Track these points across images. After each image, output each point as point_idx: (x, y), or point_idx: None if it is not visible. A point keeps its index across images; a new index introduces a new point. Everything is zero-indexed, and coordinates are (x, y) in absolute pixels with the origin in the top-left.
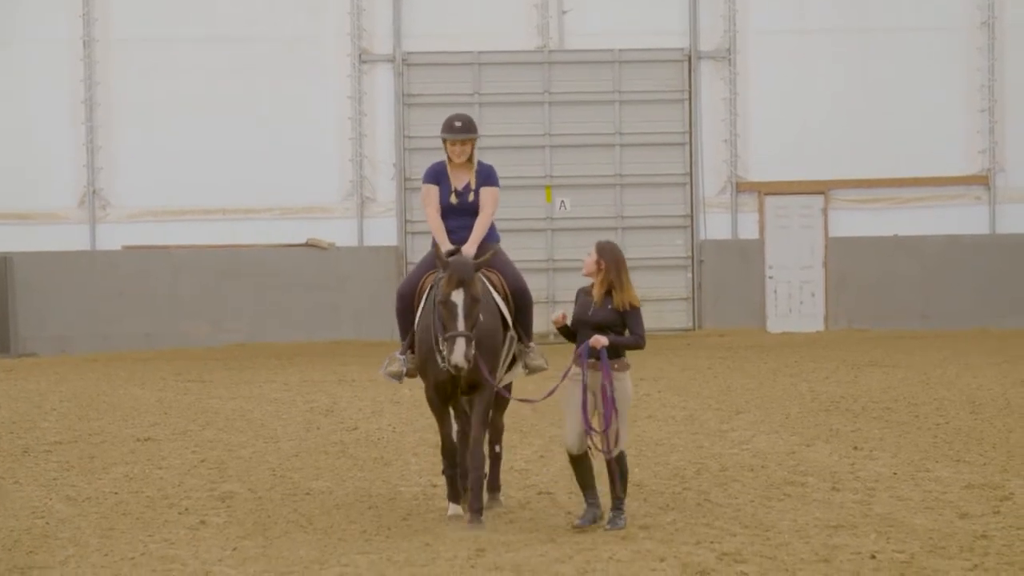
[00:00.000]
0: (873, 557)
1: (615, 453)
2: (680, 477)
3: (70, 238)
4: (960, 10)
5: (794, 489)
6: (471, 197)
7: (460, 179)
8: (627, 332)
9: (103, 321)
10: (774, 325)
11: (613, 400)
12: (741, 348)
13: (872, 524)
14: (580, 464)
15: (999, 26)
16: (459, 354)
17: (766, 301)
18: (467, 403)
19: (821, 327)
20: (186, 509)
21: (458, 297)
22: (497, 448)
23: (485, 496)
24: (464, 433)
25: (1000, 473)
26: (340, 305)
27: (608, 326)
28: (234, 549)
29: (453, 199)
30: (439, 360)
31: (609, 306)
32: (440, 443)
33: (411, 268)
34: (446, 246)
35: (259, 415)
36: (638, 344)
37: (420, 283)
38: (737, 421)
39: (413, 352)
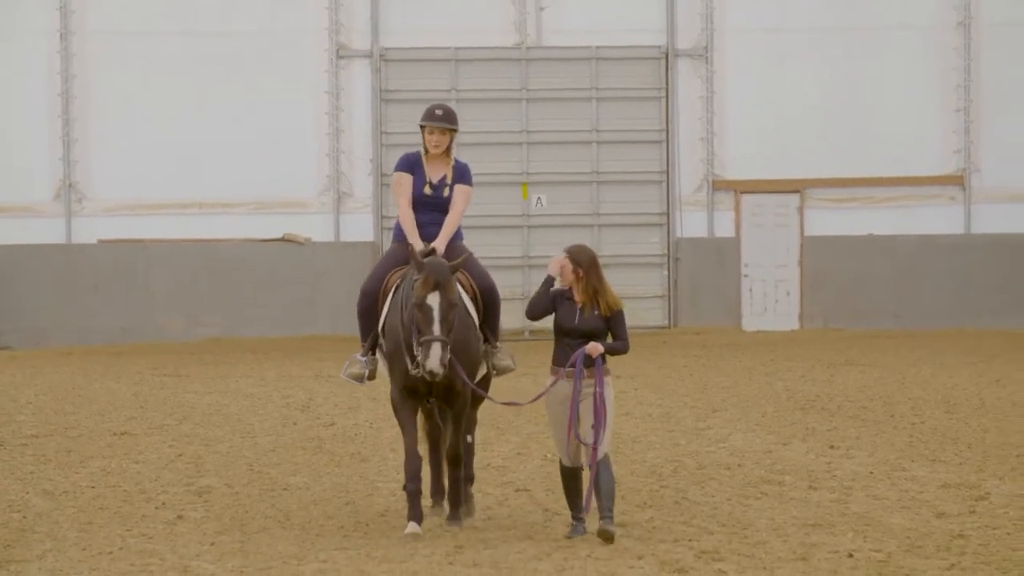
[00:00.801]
0: (851, 556)
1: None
2: (657, 475)
3: (46, 231)
4: (936, 10)
5: (771, 488)
6: (446, 192)
7: (436, 172)
8: (609, 337)
9: (78, 315)
10: (749, 323)
11: (605, 410)
12: (716, 346)
13: (849, 523)
14: (573, 478)
15: (975, 26)
16: (435, 360)
17: (741, 299)
18: (438, 410)
19: (796, 326)
20: (163, 504)
21: (434, 300)
22: (469, 438)
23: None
24: (434, 440)
25: (976, 473)
26: (316, 300)
27: (598, 333)
28: (212, 544)
29: (427, 191)
30: (409, 365)
31: (596, 312)
32: (404, 454)
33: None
34: (416, 241)
35: (235, 410)
36: (626, 349)
37: (385, 281)
38: (713, 419)
39: (375, 354)
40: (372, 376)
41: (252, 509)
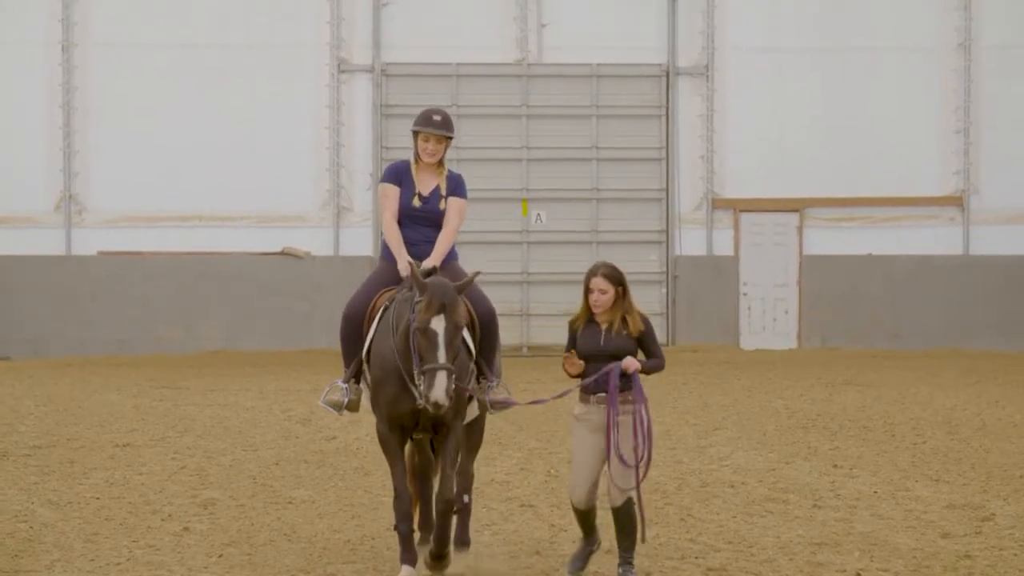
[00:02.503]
0: (859, 575)
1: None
2: (662, 492)
3: (46, 242)
4: (936, 31)
5: (776, 506)
6: (441, 204)
7: (427, 182)
8: (640, 354)
9: (77, 326)
10: (747, 342)
11: (650, 430)
12: (715, 364)
13: (855, 542)
14: (587, 516)
15: (975, 48)
16: (440, 390)
17: (740, 318)
18: (424, 443)
19: (794, 344)
20: (169, 515)
21: (439, 325)
22: (466, 498)
23: (453, 551)
24: (424, 475)
25: (980, 493)
26: (314, 314)
27: (627, 354)
28: (220, 556)
29: (416, 202)
30: (416, 394)
31: (624, 332)
32: (392, 491)
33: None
34: (404, 261)
35: (236, 423)
36: (663, 366)
37: (372, 303)
38: (715, 437)
39: (358, 382)
40: (354, 407)
41: (258, 522)
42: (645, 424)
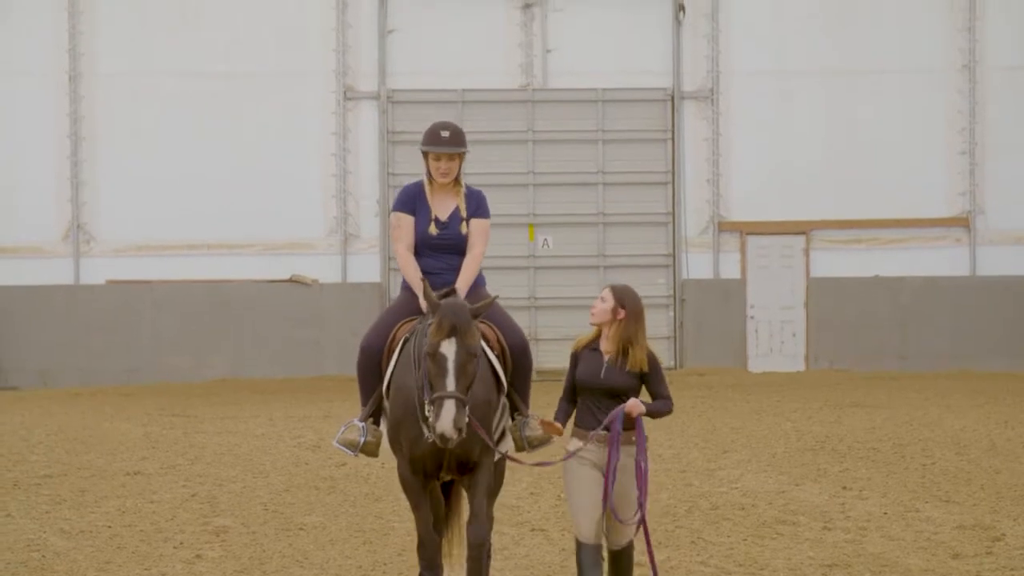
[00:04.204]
0: None
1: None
2: (672, 515)
3: (54, 272)
4: (941, 53)
5: (786, 528)
6: (462, 228)
7: (444, 206)
8: (642, 393)
9: (86, 355)
10: (755, 365)
11: (646, 479)
12: (723, 387)
13: (866, 564)
14: (591, 558)
15: (980, 69)
16: (447, 421)
17: (747, 341)
18: (436, 485)
19: (802, 367)
20: (181, 543)
21: (449, 348)
22: (487, 541)
23: None
24: (436, 515)
25: (991, 514)
26: (323, 341)
27: (628, 391)
28: None
29: (433, 230)
30: (424, 430)
31: (626, 368)
32: (417, 539)
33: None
34: (421, 288)
35: (246, 450)
36: (670, 409)
37: (392, 334)
38: (724, 460)
39: (376, 422)
40: (372, 451)
41: (270, 548)
42: (643, 475)
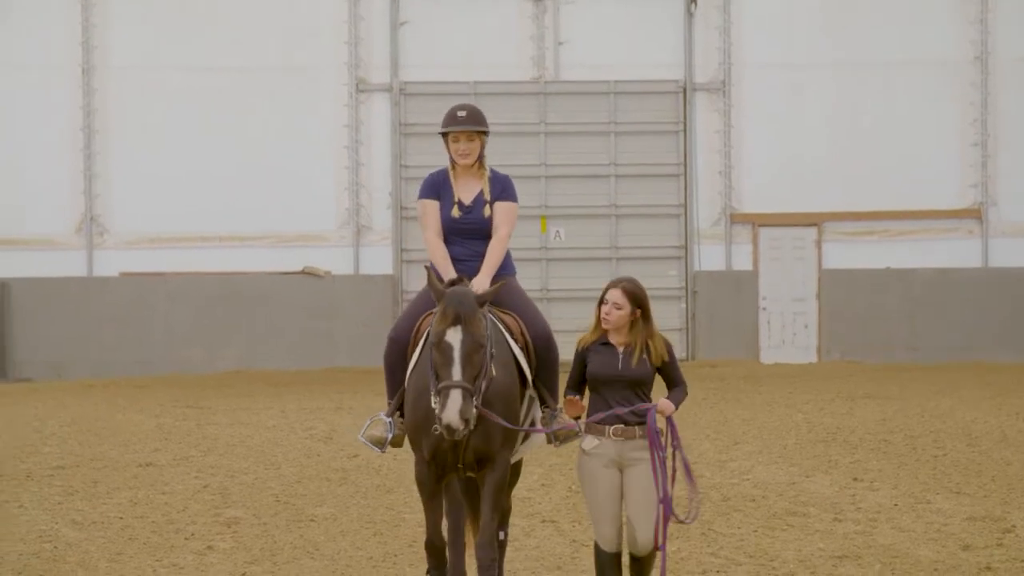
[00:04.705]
0: None
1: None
2: (682, 507)
3: (67, 264)
4: (953, 45)
5: (796, 520)
6: (486, 211)
7: (468, 189)
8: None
9: (99, 347)
10: (767, 356)
11: (688, 470)
12: (734, 379)
13: (876, 555)
14: (612, 567)
15: (992, 61)
16: (452, 411)
17: (759, 332)
18: (453, 484)
19: (814, 359)
20: (192, 534)
21: (454, 337)
22: (502, 535)
23: None
24: (456, 527)
25: (1001, 505)
26: (335, 333)
27: (645, 381)
28: (243, 575)
29: (456, 213)
30: (439, 423)
31: (648, 361)
32: (425, 534)
33: (405, 304)
34: (449, 275)
35: (258, 441)
36: (687, 394)
37: (417, 325)
38: (736, 451)
39: (403, 415)
40: (398, 442)
41: (281, 540)
42: (687, 470)
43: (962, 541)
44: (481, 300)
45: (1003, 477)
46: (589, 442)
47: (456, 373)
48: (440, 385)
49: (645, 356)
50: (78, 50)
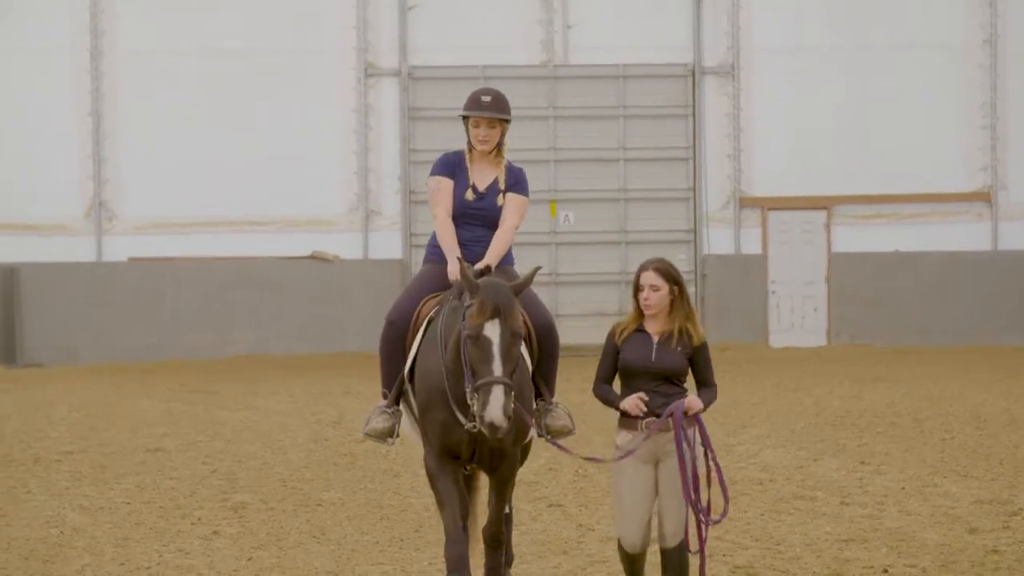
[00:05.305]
0: (885, 572)
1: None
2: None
3: (76, 249)
4: (962, 28)
5: (803, 503)
6: (499, 200)
7: (484, 175)
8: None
9: (108, 332)
10: (776, 340)
11: (720, 473)
12: (744, 362)
13: (883, 538)
14: (636, 562)
15: (1001, 44)
16: (496, 408)
17: (768, 316)
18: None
19: (823, 342)
20: (199, 519)
21: (493, 331)
22: (507, 508)
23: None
24: (463, 509)
25: (1008, 488)
26: (344, 318)
27: (679, 373)
28: (249, 559)
29: (470, 195)
30: (462, 418)
31: (679, 347)
32: (444, 536)
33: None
34: (455, 261)
35: (266, 427)
36: (715, 397)
37: (417, 310)
38: (744, 435)
39: (400, 405)
40: (398, 433)
41: (287, 525)
42: (720, 478)
43: (969, 524)
44: (517, 290)
45: (1011, 460)
46: (623, 437)
47: (497, 369)
48: (480, 382)
49: (680, 345)
50: (86, 35)
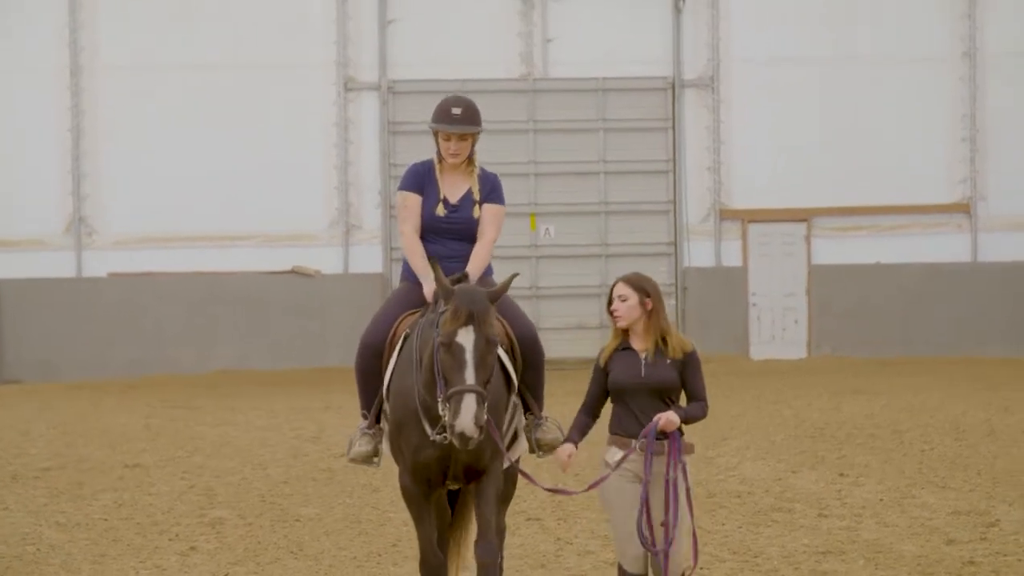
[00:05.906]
0: None
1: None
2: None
3: (56, 265)
4: (942, 40)
5: (782, 515)
6: (474, 212)
7: (456, 186)
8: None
9: (88, 348)
10: (757, 352)
11: (689, 501)
12: (724, 374)
13: (860, 550)
14: None
15: (980, 56)
16: (467, 417)
17: (749, 328)
18: (442, 494)
19: (804, 354)
20: (176, 535)
21: (466, 338)
22: (498, 559)
23: None
24: (441, 532)
25: (986, 500)
26: (325, 332)
27: (671, 387)
28: (226, 575)
29: (440, 211)
30: (427, 429)
31: (668, 360)
32: (419, 555)
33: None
34: (429, 285)
35: (246, 442)
36: (705, 413)
37: (393, 329)
38: (723, 447)
39: (379, 423)
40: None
41: (265, 540)
42: (678, 496)
43: (946, 535)
44: (492, 297)
45: (989, 471)
46: (612, 454)
47: (469, 377)
48: (451, 390)
49: (666, 357)
50: (65, 51)
